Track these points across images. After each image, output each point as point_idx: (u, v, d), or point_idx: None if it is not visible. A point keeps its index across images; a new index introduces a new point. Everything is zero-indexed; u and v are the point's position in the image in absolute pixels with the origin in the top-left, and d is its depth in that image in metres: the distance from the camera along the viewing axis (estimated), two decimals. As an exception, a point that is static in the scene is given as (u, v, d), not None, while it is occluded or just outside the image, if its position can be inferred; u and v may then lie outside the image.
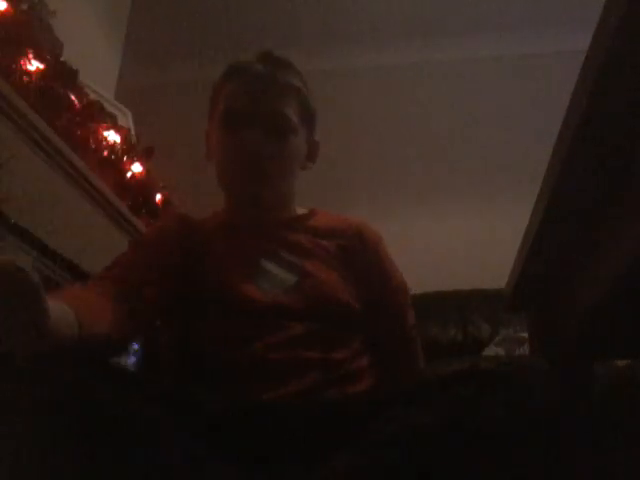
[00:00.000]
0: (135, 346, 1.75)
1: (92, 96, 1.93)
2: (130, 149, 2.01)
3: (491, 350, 2.20)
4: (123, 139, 1.97)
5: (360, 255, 1.01)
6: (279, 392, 0.80)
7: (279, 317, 0.88)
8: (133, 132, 2.20)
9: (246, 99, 0.97)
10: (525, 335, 2.01)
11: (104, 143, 1.88)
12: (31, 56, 1.56)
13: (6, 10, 1.51)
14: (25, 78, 1.53)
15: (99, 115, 1.88)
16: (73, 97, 1.75)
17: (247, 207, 1.02)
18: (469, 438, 0.57)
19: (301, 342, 0.86)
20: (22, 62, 1.54)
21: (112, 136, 1.92)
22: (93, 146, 1.84)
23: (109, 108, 2.05)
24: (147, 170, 2.12)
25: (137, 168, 2.07)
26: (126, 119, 2.24)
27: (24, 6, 1.63)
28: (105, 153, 1.89)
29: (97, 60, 2.41)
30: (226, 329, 0.88)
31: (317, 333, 0.88)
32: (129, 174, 2.04)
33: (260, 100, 0.97)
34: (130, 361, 1.64)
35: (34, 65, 1.57)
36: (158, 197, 2.22)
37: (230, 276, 0.92)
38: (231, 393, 0.80)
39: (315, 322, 0.89)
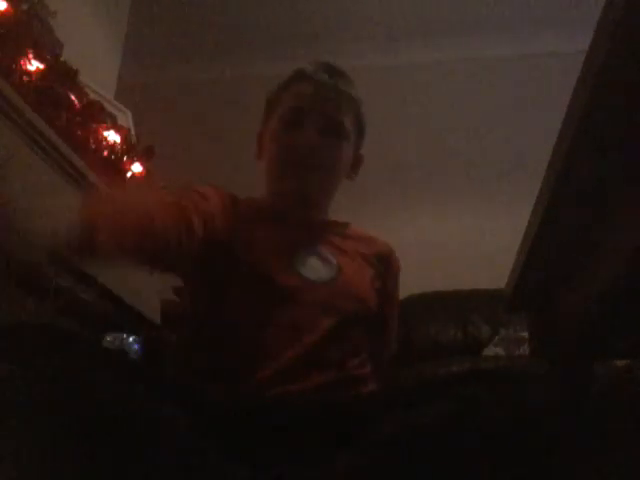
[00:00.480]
0: (135, 346, 1.75)
1: (92, 96, 1.93)
2: (130, 149, 2.01)
3: (491, 350, 2.20)
4: (123, 139, 1.97)
5: (385, 273, 1.07)
6: (298, 385, 0.80)
7: (314, 308, 0.89)
8: (133, 132, 2.20)
9: (311, 100, 1.03)
10: (525, 335, 2.01)
11: (104, 143, 1.88)
12: (31, 56, 1.56)
13: (6, 10, 1.51)
14: (25, 78, 1.53)
15: (99, 115, 1.88)
16: (73, 97, 1.75)
17: (292, 201, 1.05)
18: (469, 438, 0.57)
19: (329, 338, 0.87)
20: (22, 62, 1.54)
21: (112, 136, 1.92)
22: (93, 146, 1.84)
23: (109, 108, 2.05)
24: (147, 170, 2.11)
25: (137, 168, 2.07)
26: (126, 119, 2.24)
27: (24, 6, 1.63)
28: (105, 153, 1.89)
29: (97, 60, 2.41)
30: (260, 313, 0.88)
31: (343, 331, 0.90)
32: (129, 174, 2.04)
33: (324, 104, 1.03)
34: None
35: (34, 65, 1.57)
36: (158, 197, 2.21)
37: (271, 261, 0.93)
38: (246, 381, 0.80)
39: (343, 320, 0.91)
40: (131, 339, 1.77)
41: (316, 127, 1.02)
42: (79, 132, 1.76)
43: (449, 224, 2.82)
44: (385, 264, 1.08)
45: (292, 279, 0.92)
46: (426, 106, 3.00)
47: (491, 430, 0.57)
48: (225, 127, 2.94)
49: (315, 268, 0.96)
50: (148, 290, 2.04)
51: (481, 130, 2.92)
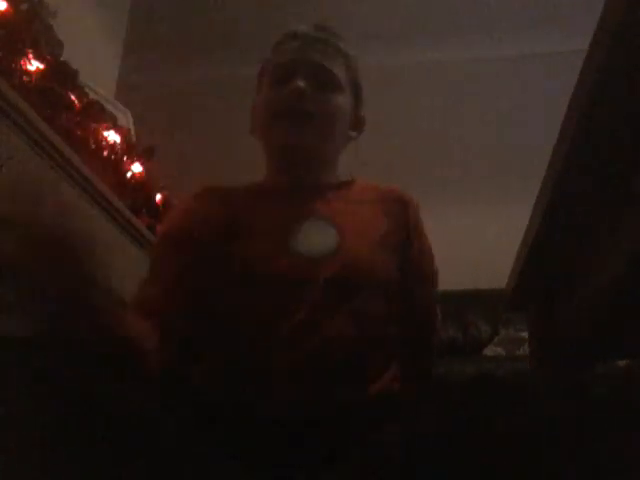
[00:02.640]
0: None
1: (92, 96, 1.93)
2: (130, 149, 2.01)
3: (491, 350, 2.21)
4: (123, 139, 1.97)
5: (403, 220, 0.99)
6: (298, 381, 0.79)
7: (307, 292, 0.85)
8: (133, 132, 2.20)
9: (298, 53, 1.00)
10: (525, 335, 2.01)
11: (104, 143, 1.88)
12: (31, 56, 1.56)
13: (6, 10, 1.51)
14: (25, 78, 1.53)
15: (99, 115, 1.88)
16: (73, 97, 1.75)
17: (288, 164, 1.00)
18: (469, 439, 0.57)
19: (330, 316, 0.83)
20: (22, 62, 1.54)
21: (112, 136, 1.92)
22: (93, 146, 1.84)
23: (109, 108, 2.05)
24: (147, 170, 2.12)
25: (137, 168, 2.07)
26: (126, 119, 2.24)
27: (24, 6, 1.63)
28: (105, 153, 1.89)
29: (97, 60, 2.42)
30: (252, 305, 0.85)
31: (349, 308, 0.85)
32: (129, 174, 2.04)
33: (309, 53, 0.99)
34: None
35: (34, 65, 1.57)
36: (158, 197, 2.22)
37: (260, 248, 0.89)
38: (248, 378, 0.79)
39: (347, 296, 0.86)
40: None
41: (305, 77, 0.96)
42: (79, 132, 1.76)
43: (449, 224, 2.82)
44: (401, 209, 1.00)
45: (280, 266, 0.86)
46: (425, 106, 3.00)
47: (491, 430, 0.57)
48: (225, 127, 2.94)
49: (310, 240, 0.90)
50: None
51: (481, 130, 2.92)
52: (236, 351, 0.85)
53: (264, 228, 0.91)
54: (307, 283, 0.85)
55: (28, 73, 1.55)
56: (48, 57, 1.64)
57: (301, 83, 0.95)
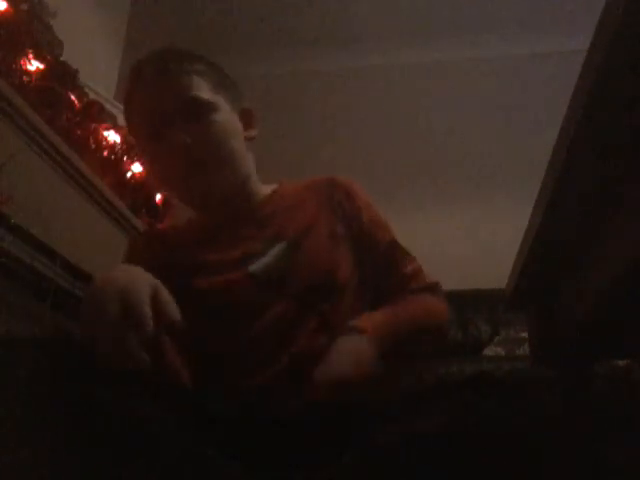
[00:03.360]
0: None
1: (92, 96, 1.94)
2: (130, 149, 2.01)
3: (491, 350, 2.20)
4: (123, 139, 1.97)
5: (334, 202, 0.98)
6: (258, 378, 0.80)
7: (275, 312, 0.86)
8: (133, 132, 2.20)
9: (151, 105, 0.93)
10: (525, 335, 2.01)
11: (104, 143, 1.89)
12: (31, 56, 1.57)
13: (6, 10, 1.51)
14: (25, 78, 1.54)
15: (99, 115, 1.88)
16: (73, 97, 1.75)
17: (210, 208, 0.98)
18: (469, 439, 0.57)
19: (301, 331, 0.84)
20: (22, 62, 1.54)
21: (112, 136, 1.93)
22: (93, 146, 1.84)
23: (109, 108, 2.05)
24: (147, 170, 2.12)
25: (137, 168, 2.07)
26: (126, 119, 2.24)
27: (24, 6, 1.63)
28: (105, 153, 1.90)
29: (97, 60, 2.42)
30: (225, 332, 0.87)
31: (319, 319, 0.86)
32: (129, 174, 2.04)
33: (164, 98, 0.92)
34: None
35: (34, 65, 1.58)
36: (158, 197, 2.22)
37: (219, 279, 0.89)
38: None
39: (317, 304, 0.87)
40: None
41: (174, 123, 0.90)
42: (79, 132, 1.76)
43: (449, 224, 2.82)
44: (330, 194, 0.98)
45: (246, 289, 0.88)
46: (425, 106, 3.00)
47: (491, 430, 0.57)
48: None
49: (267, 263, 0.90)
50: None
51: (481, 130, 2.93)
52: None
53: (218, 260, 0.91)
54: (273, 304, 0.86)
55: (28, 73, 1.55)
56: (48, 57, 1.65)
57: (176, 132, 0.90)
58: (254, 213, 0.98)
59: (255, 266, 0.89)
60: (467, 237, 2.72)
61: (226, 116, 0.95)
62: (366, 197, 1.02)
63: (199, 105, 0.92)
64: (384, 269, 0.98)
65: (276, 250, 0.91)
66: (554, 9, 2.85)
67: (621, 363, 1.00)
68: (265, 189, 1.03)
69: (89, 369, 0.60)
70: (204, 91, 0.93)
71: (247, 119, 1.01)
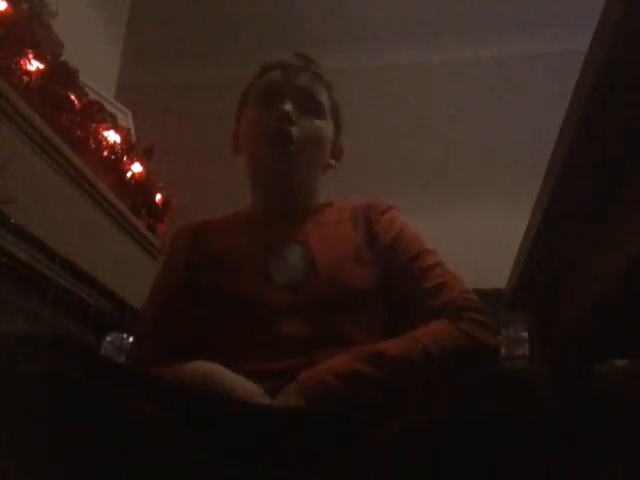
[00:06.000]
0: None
1: (92, 96, 1.94)
2: (130, 149, 2.01)
3: (491, 350, 2.20)
4: (123, 139, 1.97)
5: (375, 228, 0.98)
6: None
7: (287, 313, 0.86)
8: (133, 132, 2.20)
9: (282, 80, 1.01)
10: (525, 335, 2.01)
11: (104, 143, 1.89)
12: (31, 56, 1.56)
13: (6, 10, 1.51)
14: (25, 78, 1.54)
15: (99, 115, 1.88)
16: (73, 97, 1.75)
17: (272, 187, 1.01)
18: (469, 439, 0.57)
19: (306, 341, 0.84)
20: (22, 62, 1.54)
21: (112, 136, 1.93)
22: (93, 146, 1.84)
23: (109, 108, 2.05)
24: (147, 170, 2.12)
25: (137, 168, 2.07)
26: (126, 119, 2.24)
27: (24, 6, 1.63)
28: (105, 153, 1.89)
29: (97, 60, 2.42)
30: (236, 333, 0.86)
31: (327, 327, 0.86)
32: (129, 174, 2.04)
33: (295, 79, 1.01)
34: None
35: (34, 65, 1.58)
36: (158, 197, 2.22)
37: (242, 280, 0.90)
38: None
39: (324, 314, 0.87)
40: (131, 339, 1.77)
41: (291, 101, 0.97)
42: (79, 132, 1.76)
43: (449, 224, 2.82)
44: (367, 219, 1.00)
45: (265, 293, 0.88)
46: (426, 106, 3.00)
47: (491, 430, 0.57)
48: (224, 127, 2.94)
49: (289, 268, 0.91)
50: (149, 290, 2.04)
51: (481, 130, 2.92)
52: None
53: (243, 259, 0.94)
54: (289, 311, 0.86)
55: (28, 73, 1.55)
56: (48, 57, 1.65)
57: (288, 106, 0.96)
58: (295, 218, 1.00)
59: (277, 273, 0.91)
60: (467, 237, 2.72)
61: (329, 133, 1.03)
62: (401, 221, 1.04)
63: (317, 106, 1.00)
64: (406, 283, 0.93)
65: (302, 260, 0.93)
66: (554, 9, 2.85)
67: (621, 363, 1.00)
68: (317, 202, 1.06)
69: (89, 369, 0.60)
70: (325, 103, 1.02)
71: (336, 151, 1.08)
